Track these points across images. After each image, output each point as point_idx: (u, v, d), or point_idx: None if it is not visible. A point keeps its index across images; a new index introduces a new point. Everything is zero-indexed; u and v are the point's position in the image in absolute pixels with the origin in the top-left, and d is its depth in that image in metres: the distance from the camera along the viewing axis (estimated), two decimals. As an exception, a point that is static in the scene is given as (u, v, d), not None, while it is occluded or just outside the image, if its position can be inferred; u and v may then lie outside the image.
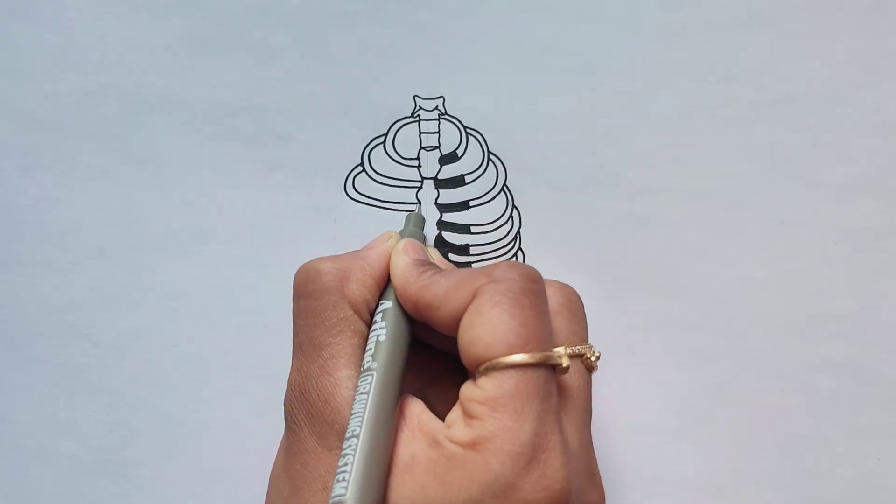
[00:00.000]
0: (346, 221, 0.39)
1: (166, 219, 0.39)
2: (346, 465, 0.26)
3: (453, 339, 0.28)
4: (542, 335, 0.27)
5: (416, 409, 0.29)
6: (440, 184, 0.39)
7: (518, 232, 0.39)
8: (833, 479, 0.38)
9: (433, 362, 0.32)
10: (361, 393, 0.28)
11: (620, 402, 0.38)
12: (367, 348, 0.29)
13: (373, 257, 0.31)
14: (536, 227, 0.39)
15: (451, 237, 0.39)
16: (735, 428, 0.38)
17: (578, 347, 0.30)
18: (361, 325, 0.30)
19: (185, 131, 0.39)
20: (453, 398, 0.28)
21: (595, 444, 0.37)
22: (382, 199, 0.39)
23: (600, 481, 0.29)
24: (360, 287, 0.31)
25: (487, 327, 0.27)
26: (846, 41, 0.39)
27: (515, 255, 0.39)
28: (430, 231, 0.39)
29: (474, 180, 0.39)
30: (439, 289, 0.29)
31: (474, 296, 0.28)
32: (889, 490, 0.38)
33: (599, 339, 0.38)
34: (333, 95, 0.39)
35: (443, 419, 0.28)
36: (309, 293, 0.31)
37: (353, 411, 0.28)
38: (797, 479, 0.38)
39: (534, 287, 0.28)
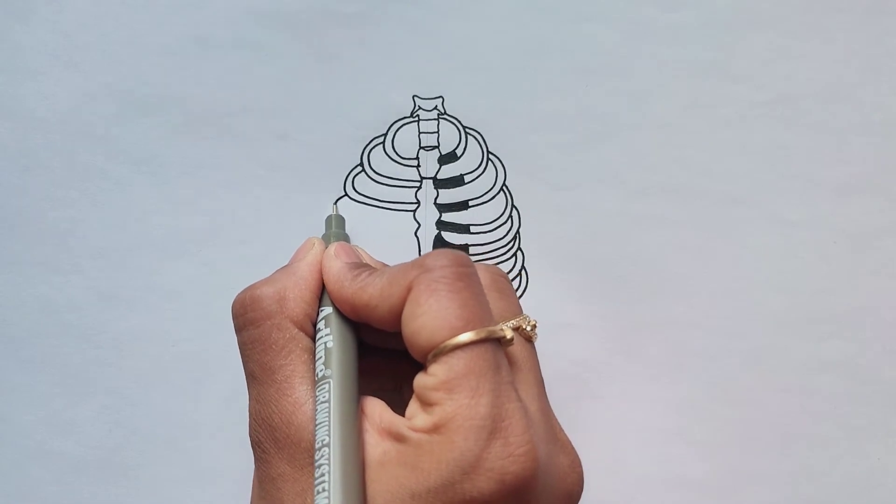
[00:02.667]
0: (346, 221, 0.39)
1: (166, 219, 0.39)
2: (322, 475, 0.26)
3: (393, 335, 0.29)
4: (482, 313, 0.28)
5: (378, 409, 0.29)
6: (439, 184, 0.39)
7: (518, 232, 0.39)
8: (833, 479, 0.38)
9: (401, 361, 0.32)
10: (322, 402, 0.28)
11: (620, 402, 0.38)
12: (317, 357, 0.29)
13: (304, 269, 0.32)
14: (536, 227, 0.39)
15: (451, 237, 0.39)
16: (735, 428, 0.38)
17: (514, 321, 0.30)
18: (308, 342, 0.30)
19: (184, 131, 0.39)
20: None
21: (595, 445, 0.37)
22: (382, 199, 0.39)
23: (570, 445, 0.30)
24: (299, 304, 0.31)
25: (428, 316, 0.27)
26: (846, 41, 0.39)
27: (515, 255, 0.39)
28: (430, 231, 0.39)
29: (474, 180, 0.39)
30: (374, 288, 0.29)
31: (410, 289, 0.28)
32: (889, 490, 0.38)
33: (600, 339, 0.38)
34: (333, 95, 0.39)
35: None
36: (251, 322, 0.31)
37: (317, 422, 0.28)
38: (797, 479, 0.38)
39: (465, 270, 0.28)
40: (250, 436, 0.30)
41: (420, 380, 0.28)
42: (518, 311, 0.31)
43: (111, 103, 0.40)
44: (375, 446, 0.28)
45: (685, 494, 0.38)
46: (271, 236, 0.39)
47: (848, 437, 0.38)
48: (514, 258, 0.39)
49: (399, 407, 0.29)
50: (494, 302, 0.30)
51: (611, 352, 0.38)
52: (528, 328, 0.30)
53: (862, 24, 0.39)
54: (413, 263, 0.29)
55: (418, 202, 0.39)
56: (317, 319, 0.31)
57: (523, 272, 0.39)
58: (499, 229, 0.39)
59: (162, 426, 0.39)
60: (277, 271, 0.32)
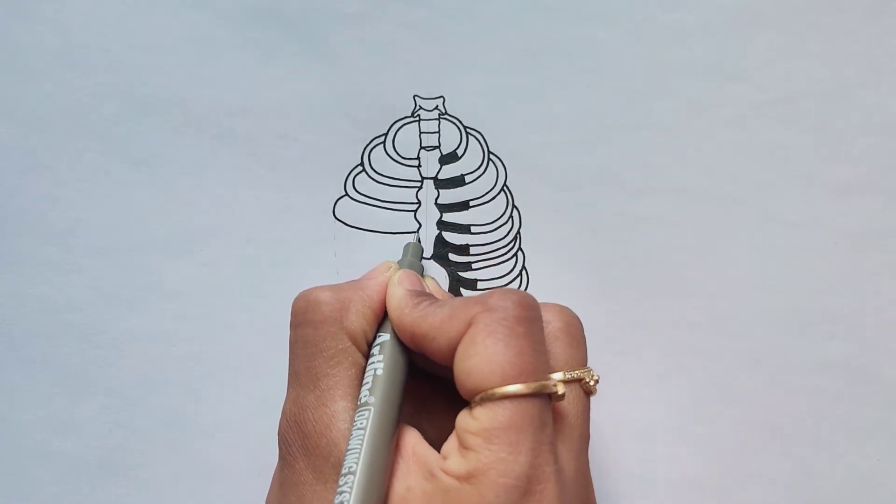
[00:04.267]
0: (346, 221, 0.39)
1: (166, 219, 0.39)
2: (342, 503, 0.26)
3: (450, 368, 0.28)
4: (537, 364, 0.27)
5: (412, 440, 0.28)
6: (440, 184, 0.39)
7: (518, 232, 0.39)
8: (833, 479, 0.38)
9: (426, 387, 0.32)
10: (358, 428, 0.28)
11: (620, 402, 0.38)
12: (364, 382, 0.29)
13: (372, 288, 0.31)
14: (536, 227, 0.39)
15: (451, 237, 0.39)
16: (735, 428, 0.38)
17: (577, 372, 0.30)
18: (359, 357, 0.30)
19: (184, 131, 0.39)
20: (446, 423, 0.28)
21: (596, 445, 0.37)
22: (383, 198, 0.39)
23: None
24: (359, 318, 0.30)
25: (482, 357, 0.27)
26: (846, 41, 0.39)
27: (515, 255, 0.39)
28: (431, 231, 0.39)
29: (474, 180, 0.39)
30: (434, 319, 0.29)
31: (469, 325, 0.27)
32: (889, 490, 0.38)
33: (600, 339, 0.38)
34: (333, 95, 0.39)
35: (435, 444, 0.28)
36: (308, 322, 0.30)
37: (349, 447, 0.27)
38: (797, 479, 0.38)
39: (529, 315, 0.28)
40: (279, 433, 0.30)
41: (463, 420, 0.27)
42: (584, 363, 0.30)
43: (111, 103, 0.39)
44: (401, 480, 0.27)
45: (685, 494, 0.38)
46: (271, 236, 0.39)
47: (848, 437, 0.38)
48: (514, 258, 0.39)
49: None
50: (563, 348, 0.30)
51: (611, 352, 0.38)
52: (591, 382, 0.30)
53: (862, 24, 0.39)
54: (477, 299, 0.28)
55: (419, 202, 0.39)
56: (372, 342, 0.31)
57: (523, 272, 0.39)
58: (499, 229, 0.39)
59: (162, 426, 0.39)
60: (347, 282, 0.32)
